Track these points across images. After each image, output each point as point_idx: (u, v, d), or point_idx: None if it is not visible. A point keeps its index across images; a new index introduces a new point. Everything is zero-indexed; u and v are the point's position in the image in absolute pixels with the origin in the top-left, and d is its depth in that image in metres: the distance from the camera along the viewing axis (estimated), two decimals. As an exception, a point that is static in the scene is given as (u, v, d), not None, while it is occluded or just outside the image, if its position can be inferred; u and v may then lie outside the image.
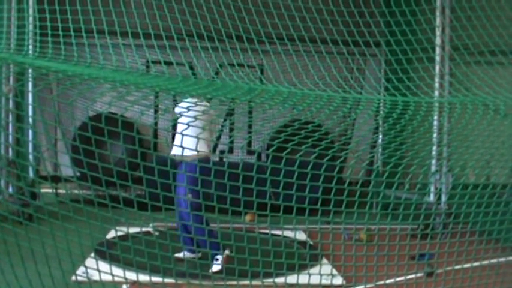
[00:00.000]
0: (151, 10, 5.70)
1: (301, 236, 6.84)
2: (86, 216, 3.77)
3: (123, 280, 4.11)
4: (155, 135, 10.05)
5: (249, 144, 10.55)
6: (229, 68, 5.64)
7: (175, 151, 5.64)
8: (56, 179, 6.72)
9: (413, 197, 6.63)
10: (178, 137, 5.61)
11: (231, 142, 10.22)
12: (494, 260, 4.75)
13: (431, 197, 7.92)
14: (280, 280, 4.40)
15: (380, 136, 8.24)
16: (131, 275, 4.18)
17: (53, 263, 3.71)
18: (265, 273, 4.28)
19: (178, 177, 5.73)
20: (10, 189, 7.88)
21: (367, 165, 8.46)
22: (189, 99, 5.61)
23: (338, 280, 4.89)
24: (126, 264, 4.20)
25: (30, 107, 8.07)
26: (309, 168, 3.89)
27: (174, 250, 4.96)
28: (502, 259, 4.98)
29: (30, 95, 8.19)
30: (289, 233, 6.25)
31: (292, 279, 4.32)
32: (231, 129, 10.10)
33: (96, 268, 3.82)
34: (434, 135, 6.82)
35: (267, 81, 5.59)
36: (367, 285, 4.54)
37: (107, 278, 3.97)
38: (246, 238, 4.10)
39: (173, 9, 5.45)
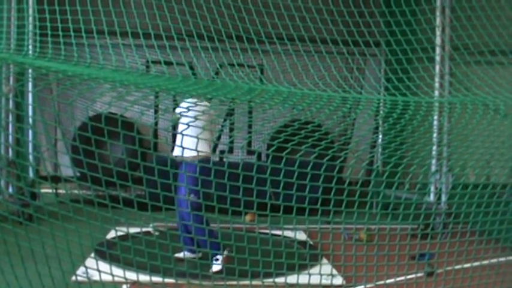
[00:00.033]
0: (151, 10, 5.70)
1: (301, 236, 6.84)
2: (86, 216, 3.77)
3: (123, 280, 4.11)
4: (155, 135, 10.05)
5: (249, 144, 10.55)
6: (229, 68, 5.64)
7: (177, 151, 5.65)
8: (56, 179, 6.71)
9: (414, 197, 6.62)
10: (179, 138, 5.61)
11: (231, 142, 10.22)
12: (494, 260, 4.75)
13: (432, 197, 7.92)
14: (280, 280, 4.39)
15: (380, 136, 8.23)
16: (131, 275, 4.18)
17: (53, 263, 3.71)
18: (266, 273, 4.28)
19: (179, 177, 5.74)
20: (10, 190, 7.88)
21: (367, 165, 8.46)
22: (189, 100, 5.60)
23: (338, 280, 4.89)
24: (126, 264, 4.21)
25: (30, 107, 8.08)
26: (309, 168, 3.89)
27: (174, 250, 4.96)
28: (502, 259, 4.98)
29: (30, 95, 8.19)
30: (289, 233, 6.24)
31: (292, 279, 4.32)
32: (231, 129, 10.10)
33: (96, 268, 3.82)
34: (434, 135, 6.82)
35: (267, 81, 5.59)
36: (367, 285, 4.54)
37: (107, 278, 3.97)
38: (246, 238, 4.10)
39: (173, 9, 5.44)
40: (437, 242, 5.31)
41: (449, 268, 4.49)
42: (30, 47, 5.58)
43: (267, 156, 9.52)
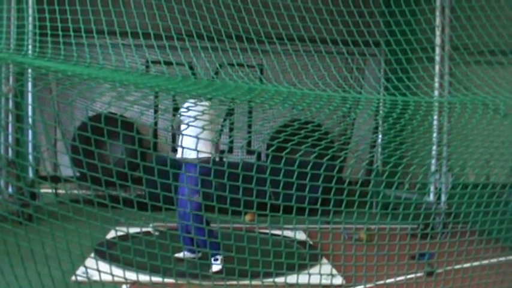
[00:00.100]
0: (151, 10, 5.70)
1: (301, 235, 6.84)
2: (85, 216, 3.77)
3: (123, 280, 4.11)
4: (155, 135, 10.05)
5: (249, 144, 10.55)
6: (229, 67, 5.64)
7: (180, 153, 5.66)
8: (55, 179, 6.72)
9: (413, 197, 6.62)
10: (185, 140, 5.61)
11: (231, 142, 10.22)
12: (494, 260, 4.75)
13: (431, 197, 7.92)
14: (280, 280, 4.40)
15: (380, 136, 8.24)
16: (131, 275, 4.18)
17: (52, 263, 3.71)
18: (265, 273, 4.28)
19: (181, 178, 5.73)
20: (10, 190, 7.88)
21: (367, 165, 8.46)
22: (191, 100, 5.61)
23: (338, 280, 4.89)
24: (126, 264, 4.20)
25: (29, 107, 8.08)
26: (309, 168, 3.89)
27: (174, 250, 4.96)
28: (502, 259, 4.98)
29: (29, 95, 8.19)
30: (289, 233, 6.24)
31: (292, 279, 4.32)
32: (231, 129, 10.10)
33: (96, 268, 3.82)
34: (434, 134, 6.82)
35: (266, 81, 5.58)
36: (367, 285, 4.54)
37: (106, 278, 3.97)
38: (246, 238, 4.10)
39: (173, 9, 5.44)
40: (437, 242, 5.30)
41: (449, 268, 4.49)
42: (30, 46, 5.57)
43: (267, 156, 9.52)
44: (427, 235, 6.23)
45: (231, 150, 10.24)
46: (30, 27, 6.44)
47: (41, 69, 4.27)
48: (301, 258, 5.48)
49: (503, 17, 5.73)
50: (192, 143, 5.00)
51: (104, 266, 4.13)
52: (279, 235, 5.80)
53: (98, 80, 4.38)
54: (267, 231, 5.21)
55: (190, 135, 4.83)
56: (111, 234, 4.79)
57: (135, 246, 4.04)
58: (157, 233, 5.27)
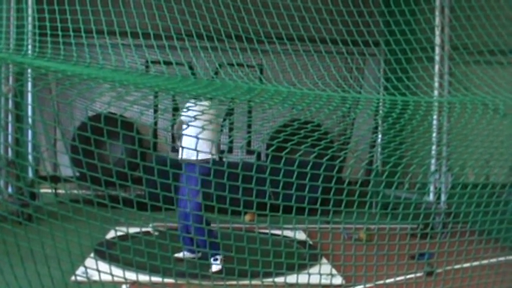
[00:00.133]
0: (151, 10, 5.70)
1: (300, 235, 6.84)
2: (85, 216, 3.76)
3: (122, 280, 4.11)
4: (155, 135, 10.05)
5: (249, 144, 10.55)
6: (229, 67, 5.64)
7: (183, 154, 5.66)
8: (55, 179, 6.73)
9: (413, 197, 6.62)
10: (186, 141, 5.61)
11: (231, 142, 10.22)
12: (493, 260, 4.75)
13: (431, 197, 7.92)
14: (279, 280, 4.40)
15: (379, 136, 8.24)
16: (131, 275, 4.17)
17: (52, 263, 3.71)
18: (265, 273, 4.28)
19: (182, 178, 5.72)
20: (9, 190, 7.87)
21: (367, 165, 8.46)
22: (192, 101, 5.62)
23: (338, 280, 4.89)
24: (126, 264, 4.20)
25: (29, 107, 8.08)
26: (309, 167, 3.89)
27: (173, 250, 4.96)
28: (502, 258, 4.98)
29: (29, 95, 8.19)
30: (288, 233, 6.24)
31: (291, 279, 4.32)
32: (231, 129, 10.10)
33: (95, 268, 3.82)
34: (434, 134, 6.82)
35: (266, 81, 5.58)
36: (367, 285, 4.54)
37: (106, 278, 3.97)
38: (246, 238, 4.10)
39: (172, 9, 5.44)
40: (436, 242, 5.30)
41: (448, 268, 4.49)
42: (30, 46, 5.57)
43: (267, 156, 9.52)
44: (427, 235, 6.23)
45: (230, 150, 10.24)
46: (30, 27, 6.44)
47: (40, 69, 4.27)
48: (300, 258, 5.49)
49: (503, 16, 5.73)
50: (196, 144, 5.01)
51: (103, 266, 4.13)
52: (278, 235, 5.80)
53: (97, 80, 4.38)
54: (267, 231, 5.21)
55: (195, 137, 4.82)
56: (111, 234, 4.79)
57: (135, 246, 4.04)
58: (156, 233, 5.27)
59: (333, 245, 4.27)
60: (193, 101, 5.49)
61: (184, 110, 5.69)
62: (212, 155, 5.53)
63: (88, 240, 3.90)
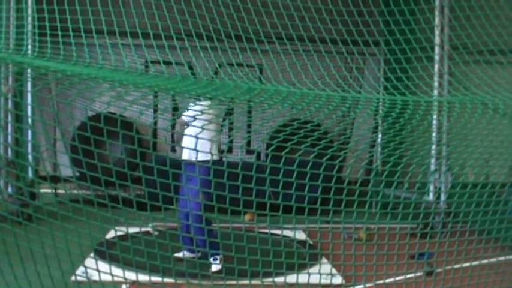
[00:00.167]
0: (150, 10, 5.70)
1: (300, 235, 6.84)
2: (85, 216, 3.76)
3: (122, 280, 4.10)
4: (154, 135, 10.05)
5: (248, 143, 10.55)
6: (228, 67, 5.64)
7: (186, 155, 5.66)
8: (55, 179, 6.72)
9: (413, 196, 6.62)
10: (189, 141, 5.61)
11: (230, 142, 10.22)
12: (493, 259, 4.75)
13: (431, 196, 7.92)
14: (279, 279, 4.40)
15: (379, 135, 8.24)
16: (131, 275, 4.17)
17: (52, 263, 3.71)
18: (265, 273, 4.28)
19: (183, 178, 5.71)
20: (9, 190, 7.87)
21: (367, 165, 8.45)
22: (192, 101, 5.62)
23: (337, 279, 4.89)
24: (126, 264, 4.20)
25: (29, 107, 8.07)
26: (308, 167, 3.89)
27: (173, 250, 4.96)
28: (501, 258, 4.98)
29: (29, 95, 8.18)
30: (288, 233, 6.25)
31: (291, 278, 4.32)
32: (230, 129, 10.10)
33: (95, 268, 3.82)
34: (434, 134, 6.82)
35: (266, 80, 5.58)
36: (367, 285, 4.54)
37: (106, 278, 3.97)
38: (246, 238, 4.10)
39: (172, 9, 5.44)
40: (436, 241, 5.31)
41: (448, 267, 4.49)
42: (29, 46, 5.57)
43: (266, 155, 9.52)
44: (427, 234, 6.24)
45: (230, 150, 10.24)
46: (30, 27, 6.44)
47: (40, 69, 4.27)
48: (300, 257, 5.49)
49: (502, 16, 5.73)
50: (200, 145, 5.00)
51: (103, 265, 4.13)
52: (278, 235, 5.80)
53: (97, 79, 4.38)
54: (267, 230, 5.21)
55: (195, 136, 4.81)
56: (111, 234, 4.79)
57: (135, 246, 4.04)
58: (156, 233, 5.27)
59: (333, 245, 4.27)
60: (193, 101, 5.50)
61: (185, 110, 5.69)
62: (212, 155, 5.53)
63: (88, 240, 3.90)
